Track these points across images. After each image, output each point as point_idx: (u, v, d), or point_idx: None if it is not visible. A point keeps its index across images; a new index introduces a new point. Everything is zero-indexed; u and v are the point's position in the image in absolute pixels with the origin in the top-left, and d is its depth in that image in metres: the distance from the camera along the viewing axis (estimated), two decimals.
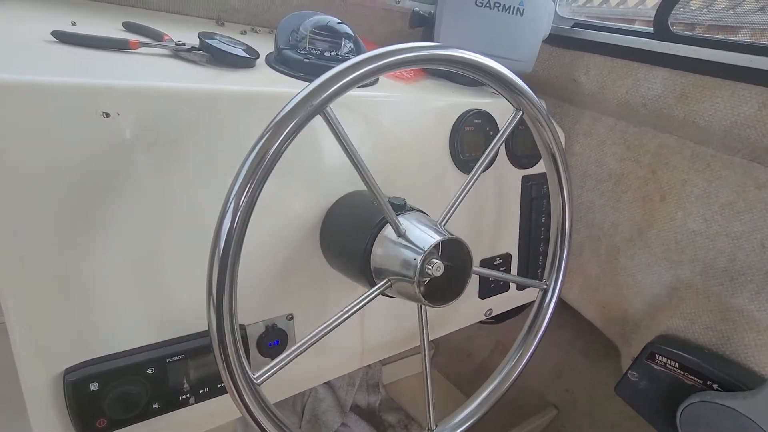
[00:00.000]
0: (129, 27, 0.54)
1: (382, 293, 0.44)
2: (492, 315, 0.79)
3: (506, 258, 0.77)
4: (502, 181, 0.72)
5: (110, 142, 0.38)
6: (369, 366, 1.30)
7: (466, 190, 0.45)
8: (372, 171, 0.56)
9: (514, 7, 0.63)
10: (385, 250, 0.44)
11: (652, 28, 0.63)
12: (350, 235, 0.48)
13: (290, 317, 0.53)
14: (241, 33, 0.68)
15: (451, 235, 0.42)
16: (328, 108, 0.35)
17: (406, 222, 0.44)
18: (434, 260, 0.42)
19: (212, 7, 0.71)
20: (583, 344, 1.08)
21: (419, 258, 0.39)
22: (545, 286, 0.54)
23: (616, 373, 0.77)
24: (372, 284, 0.45)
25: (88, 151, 0.37)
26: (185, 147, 0.42)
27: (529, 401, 1.18)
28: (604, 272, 0.81)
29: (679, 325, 0.68)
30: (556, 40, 0.76)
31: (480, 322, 0.80)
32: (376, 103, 0.56)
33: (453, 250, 0.43)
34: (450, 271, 0.44)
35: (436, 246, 0.41)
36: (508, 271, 0.78)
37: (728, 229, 0.62)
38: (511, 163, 0.73)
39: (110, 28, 0.53)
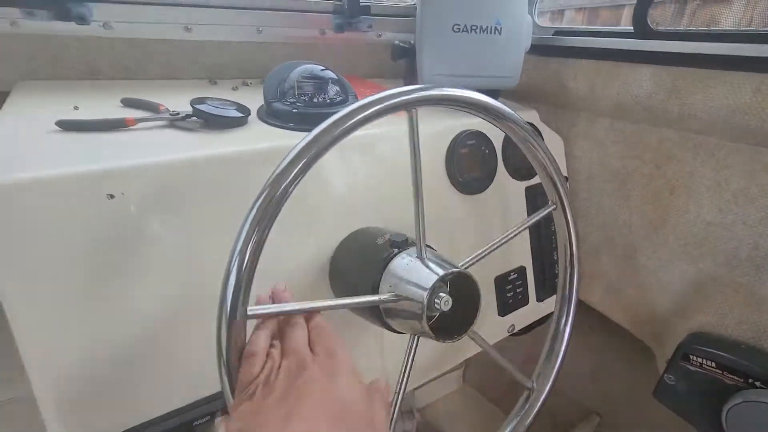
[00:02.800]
0: (127, 102, 0.57)
1: (392, 329, 0.44)
2: (515, 331, 0.78)
3: (521, 271, 0.76)
4: (506, 196, 0.72)
5: (118, 220, 0.40)
6: None
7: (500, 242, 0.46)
8: (374, 205, 0.58)
9: (491, 27, 0.64)
10: (394, 281, 0.44)
11: (632, 28, 0.63)
12: (358, 274, 0.49)
13: None
14: (233, 89, 0.71)
15: (457, 267, 0.42)
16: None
17: (408, 258, 0.44)
18: (442, 294, 0.42)
19: (203, 68, 0.75)
20: (616, 346, 1.05)
21: (426, 290, 0.40)
22: (530, 385, 0.54)
23: (656, 372, 0.74)
24: (382, 322, 0.45)
25: (100, 230, 0.39)
26: (189, 213, 0.44)
27: (570, 410, 1.14)
28: (624, 273, 0.79)
29: (710, 322, 0.65)
30: (540, 49, 0.76)
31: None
32: (371, 139, 0.57)
33: (460, 283, 0.43)
34: (458, 305, 0.44)
35: (443, 280, 0.41)
36: (524, 283, 0.77)
37: (745, 216, 0.60)
38: (511, 176, 0.72)
39: (110, 105, 0.56)
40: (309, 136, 0.35)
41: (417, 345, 0.43)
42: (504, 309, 0.73)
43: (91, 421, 0.41)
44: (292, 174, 0.33)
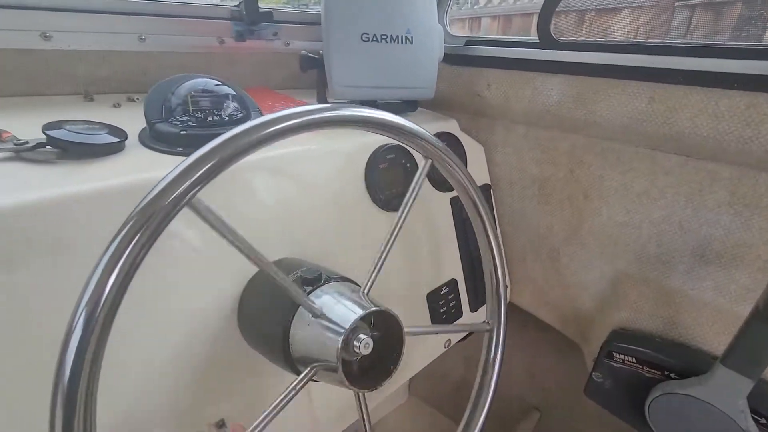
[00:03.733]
0: None
1: (312, 379, 0.38)
2: (451, 345, 0.76)
3: (452, 284, 0.74)
4: (431, 208, 0.70)
5: None
6: None
7: (387, 249, 0.41)
8: (289, 233, 0.52)
9: (402, 37, 0.61)
10: (304, 334, 0.38)
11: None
12: (267, 319, 0.43)
13: (221, 424, 0.46)
14: (114, 106, 0.61)
15: (375, 306, 0.37)
16: (194, 200, 0.29)
17: (323, 297, 0.39)
18: (361, 335, 0.37)
19: (75, 82, 0.63)
20: (551, 343, 1.08)
21: (339, 340, 0.35)
22: (488, 327, 0.52)
23: (587, 368, 0.76)
24: (297, 373, 0.39)
25: None
26: (37, 270, 0.35)
27: (511, 407, 1.16)
28: (549, 275, 0.81)
29: (629, 318, 0.68)
30: (454, 59, 0.76)
31: None
32: (281, 160, 0.51)
33: (380, 319, 0.39)
34: (381, 343, 0.40)
35: (364, 319, 0.37)
36: (457, 296, 0.75)
37: (649, 216, 0.63)
38: (435, 188, 0.70)
39: None
40: (178, 169, 0.28)
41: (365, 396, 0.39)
42: (438, 323, 0.71)
43: None
44: (168, 201, 0.27)
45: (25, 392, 0.34)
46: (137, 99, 0.65)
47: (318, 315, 0.37)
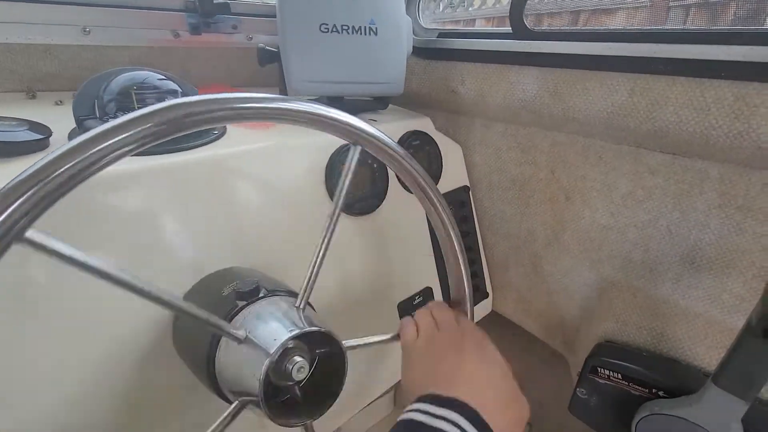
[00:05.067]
0: None
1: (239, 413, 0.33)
2: None
3: (427, 292, 0.69)
4: (402, 212, 0.65)
5: None
6: None
7: (319, 255, 0.36)
8: (237, 240, 0.48)
9: (365, 27, 0.57)
10: (228, 360, 0.34)
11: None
12: (194, 341, 0.38)
13: None
14: (57, 103, 0.57)
15: (304, 325, 0.33)
16: (28, 232, 0.22)
17: (253, 318, 0.34)
18: (297, 358, 0.32)
19: (20, 78, 0.59)
20: (537, 351, 1.03)
21: (260, 371, 0.30)
22: None
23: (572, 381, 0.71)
24: (230, 403, 0.34)
25: None
26: None
27: None
28: (532, 282, 0.76)
29: (614, 329, 0.63)
30: (426, 52, 0.71)
31: None
32: (233, 158, 0.47)
33: (319, 337, 0.34)
34: (325, 363, 0.35)
35: (301, 338, 0.32)
36: None
37: (635, 219, 0.58)
38: (407, 190, 0.66)
39: None
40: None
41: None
42: None
43: None
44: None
45: None
46: None
47: (242, 341, 0.32)
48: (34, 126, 0.43)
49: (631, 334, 0.61)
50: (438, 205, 0.43)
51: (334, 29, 0.55)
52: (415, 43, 0.64)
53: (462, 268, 0.46)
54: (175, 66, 0.68)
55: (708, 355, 0.54)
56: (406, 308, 0.66)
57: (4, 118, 0.42)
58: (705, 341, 0.54)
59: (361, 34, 0.57)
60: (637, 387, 0.56)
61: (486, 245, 0.81)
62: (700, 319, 0.54)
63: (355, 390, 0.59)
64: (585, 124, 0.56)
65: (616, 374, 0.58)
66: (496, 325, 0.84)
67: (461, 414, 0.30)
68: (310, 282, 0.36)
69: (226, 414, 0.31)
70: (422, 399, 0.32)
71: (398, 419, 0.31)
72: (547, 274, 0.73)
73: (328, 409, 0.35)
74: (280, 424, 0.32)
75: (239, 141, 0.50)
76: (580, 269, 0.67)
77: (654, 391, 0.55)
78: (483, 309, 0.83)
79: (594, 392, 0.62)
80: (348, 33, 0.56)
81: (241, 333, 0.32)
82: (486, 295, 0.83)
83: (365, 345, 0.41)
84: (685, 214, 0.53)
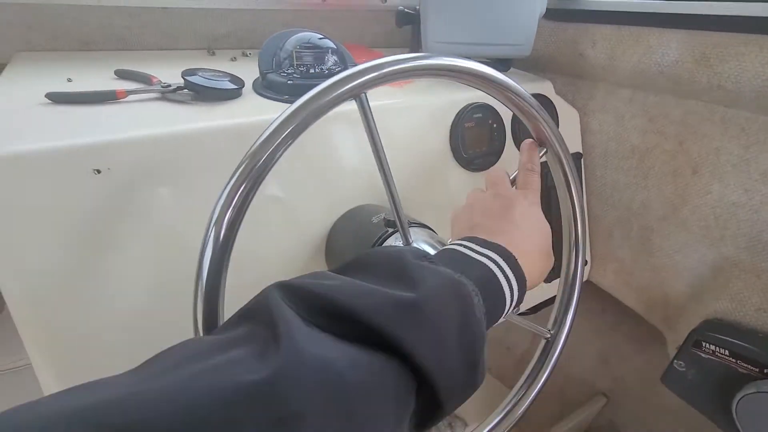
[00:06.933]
0: (120, 74, 0.55)
1: None
2: (520, 311, 0.76)
3: None
4: (514, 169, 0.68)
5: (106, 195, 0.39)
6: None
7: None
8: (370, 183, 0.56)
9: None
10: None
11: None
12: (354, 252, 0.47)
13: None
14: (232, 60, 0.69)
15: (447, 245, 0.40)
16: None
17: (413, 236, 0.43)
18: None
19: (201, 38, 0.72)
20: (628, 329, 1.02)
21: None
22: (548, 336, 0.46)
23: (665, 357, 0.71)
24: None
25: (87, 205, 0.39)
26: (178, 187, 0.43)
27: (577, 390, 1.14)
28: (638, 255, 0.75)
29: (727, 308, 0.62)
30: (556, 14, 0.70)
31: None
32: (377, 113, 0.55)
33: None
34: None
35: None
36: None
37: None
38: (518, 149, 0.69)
39: (104, 77, 0.55)
40: (288, 110, 0.33)
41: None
42: None
43: None
44: (272, 147, 0.31)
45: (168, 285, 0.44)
46: (250, 54, 0.72)
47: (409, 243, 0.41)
48: (233, 78, 0.54)
49: (748, 315, 0.59)
50: (566, 164, 0.46)
51: None
52: (548, 4, 0.64)
53: (579, 228, 0.49)
54: (313, 27, 0.77)
55: None
56: None
57: (213, 71, 0.54)
58: None
59: None
60: (745, 365, 0.56)
61: (591, 214, 0.81)
62: None
63: None
64: (732, 93, 0.54)
65: (723, 350, 0.58)
66: (590, 296, 0.85)
67: (501, 256, 0.32)
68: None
69: None
70: (468, 239, 0.34)
71: (442, 248, 0.34)
72: (656, 248, 0.72)
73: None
74: None
75: (378, 96, 0.57)
76: (697, 245, 0.65)
77: (766, 371, 0.54)
78: None
79: (693, 365, 0.62)
80: None
81: (411, 238, 0.40)
82: (584, 263, 0.84)
83: None
84: None
